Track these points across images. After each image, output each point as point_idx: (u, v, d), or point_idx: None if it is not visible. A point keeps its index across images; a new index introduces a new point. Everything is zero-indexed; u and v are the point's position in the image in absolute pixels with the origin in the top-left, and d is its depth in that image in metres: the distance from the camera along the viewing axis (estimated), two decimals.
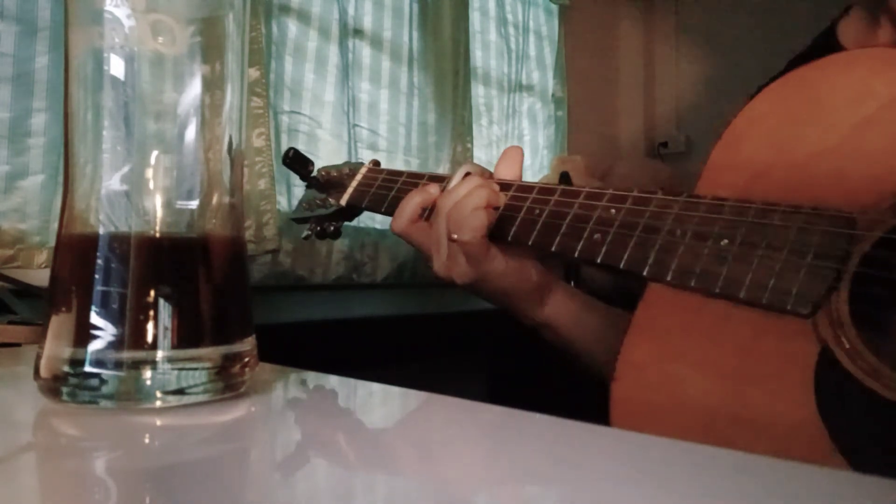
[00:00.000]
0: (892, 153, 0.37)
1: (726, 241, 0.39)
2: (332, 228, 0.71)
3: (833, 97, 0.40)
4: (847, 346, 0.33)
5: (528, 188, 0.52)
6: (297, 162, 0.71)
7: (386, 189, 0.63)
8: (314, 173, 0.72)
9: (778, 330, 0.36)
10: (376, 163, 0.70)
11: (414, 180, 0.61)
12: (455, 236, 0.51)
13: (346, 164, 0.72)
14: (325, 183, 0.71)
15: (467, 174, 0.56)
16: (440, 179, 0.59)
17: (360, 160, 1.61)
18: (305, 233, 0.73)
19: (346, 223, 0.73)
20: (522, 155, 0.57)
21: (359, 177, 0.68)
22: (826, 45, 0.58)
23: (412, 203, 0.56)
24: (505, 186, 0.53)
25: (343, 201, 0.67)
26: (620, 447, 0.25)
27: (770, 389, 0.35)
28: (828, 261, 0.36)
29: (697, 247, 0.40)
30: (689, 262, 0.40)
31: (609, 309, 0.58)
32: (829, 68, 0.42)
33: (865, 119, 0.38)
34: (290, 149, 0.70)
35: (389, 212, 0.61)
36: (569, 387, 0.59)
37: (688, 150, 2.37)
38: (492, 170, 0.58)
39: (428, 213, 0.56)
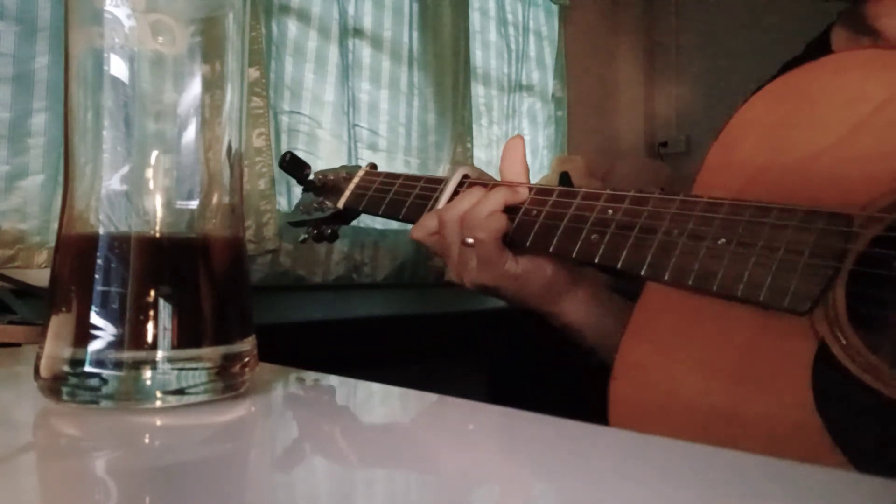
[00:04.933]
0: (887, 154, 0.37)
1: (723, 240, 0.39)
2: (329, 232, 0.71)
3: (827, 99, 0.40)
4: (844, 342, 0.33)
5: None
6: (293, 166, 0.71)
7: (383, 192, 0.63)
8: (311, 177, 0.72)
9: (775, 328, 0.36)
10: (373, 166, 0.70)
11: (411, 182, 0.61)
12: (470, 241, 0.51)
13: (342, 167, 0.72)
14: (322, 187, 0.71)
15: (465, 176, 0.57)
16: (437, 181, 0.59)
17: (360, 160, 1.61)
18: (303, 236, 0.73)
19: (343, 225, 0.73)
20: (523, 144, 0.56)
21: (356, 180, 0.67)
22: (820, 49, 0.59)
23: (433, 222, 0.55)
24: None
25: (340, 204, 0.67)
26: (620, 447, 0.25)
27: (768, 387, 0.35)
28: (824, 259, 0.36)
29: (694, 246, 0.40)
30: (686, 262, 0.40)
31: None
32: (821, 70, 0.42)
33: (859, 121, 0.38)
34: (287, 152, 0.71)
35: (387, 214, 0.61)
36: (569, 387, 0.59)
37: (688, 150, 2.37)
38: (490, 171, 0.58)
39: None
